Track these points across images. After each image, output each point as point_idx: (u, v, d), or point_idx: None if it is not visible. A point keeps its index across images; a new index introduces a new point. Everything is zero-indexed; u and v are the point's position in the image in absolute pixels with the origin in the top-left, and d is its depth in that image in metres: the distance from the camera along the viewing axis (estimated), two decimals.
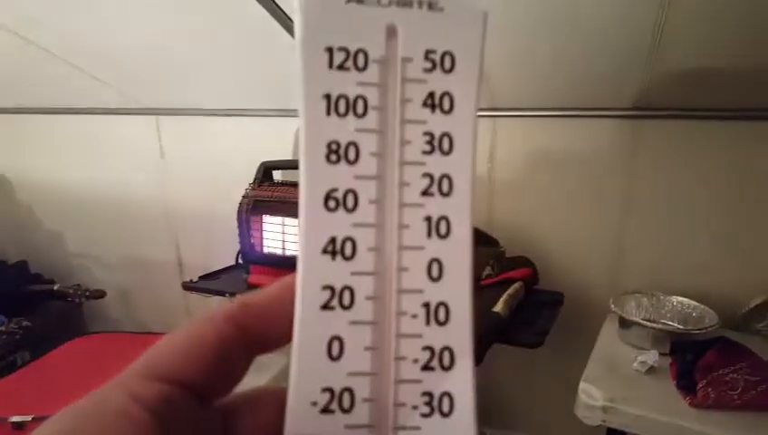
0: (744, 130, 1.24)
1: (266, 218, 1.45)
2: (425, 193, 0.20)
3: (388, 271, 0.19)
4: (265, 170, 1.52)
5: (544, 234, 1.51)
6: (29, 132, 2.28)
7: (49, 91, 2.00)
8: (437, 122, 0.20)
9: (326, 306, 0.19)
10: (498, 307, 1.16)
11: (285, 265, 1.43)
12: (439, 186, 0.20)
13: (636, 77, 1.20)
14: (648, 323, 1.14)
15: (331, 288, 0.19)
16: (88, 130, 2.14)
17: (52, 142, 2.25)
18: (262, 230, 1.46)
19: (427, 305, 0.19)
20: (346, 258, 0.19)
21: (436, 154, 0.20)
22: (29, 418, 1.23)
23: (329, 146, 0.19)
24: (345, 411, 0.19)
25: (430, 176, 0.20)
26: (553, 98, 1.38)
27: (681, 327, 1.20)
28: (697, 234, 1.34)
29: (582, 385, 1.02)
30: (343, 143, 0.19)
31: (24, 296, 2.05)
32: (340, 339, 0.19)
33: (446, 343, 0.19)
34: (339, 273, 0.19)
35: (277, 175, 1.56)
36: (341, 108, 0.19)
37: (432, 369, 0.19)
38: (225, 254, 1.74)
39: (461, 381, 0.19)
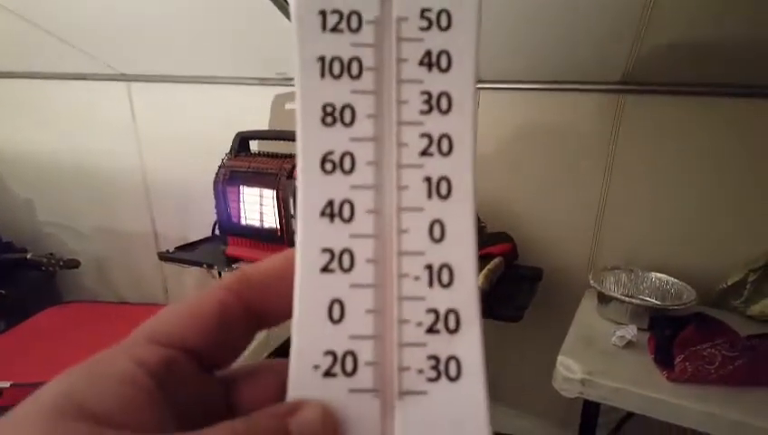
0: (730, 106, 1.23)
1: (243, 190, 1.41)
2: (424, 153, 0.19)
3: (387, 233, 0.19)
4: (242, 140, 1.48)
5: (524, 209, 1.50)
6: None
7: (17, 57, 1.93)
8: (435, 81, 0.19)
9: (326, 269, 0.19)
10: (479, 281, 1.15)
11: (263, 236, 1.41)
12: (438, 145, 0.19)
13: (624, 51, 1.18)
14: (627, 299, 1.14)
15: (331, 251, 0.19)
16: (58, 97, 2.07)
17: (20, 108, 2.18)
18: (239, 202, 1.43)
19: (429, 267, 0.19)
20: (345, 221, 0.19)
21: (435, 113, 0.19)
22: (7, 384, 1.21)
23: (324, 109, 0.19)
24: (348, 375, 0.18)
25: (429, 136, 0.19)
26: (539, 71, 1.35)
27: (659, 303, 1.21)
28: (677, 211, 1.34)
29: (560, 358, 1.02)
30: (339, 105, 0.19)
31: None
32: (340, 302, 0.19)
33: (452, 306, 0.19)
34: (338, 235, 0.19)
35: (254, 145, 1.52)
36: (336, 70, 0.19)
37: (437, 332, 0.19)
38: (200, 224, 1.71)
39: (469, 345, 0.19)
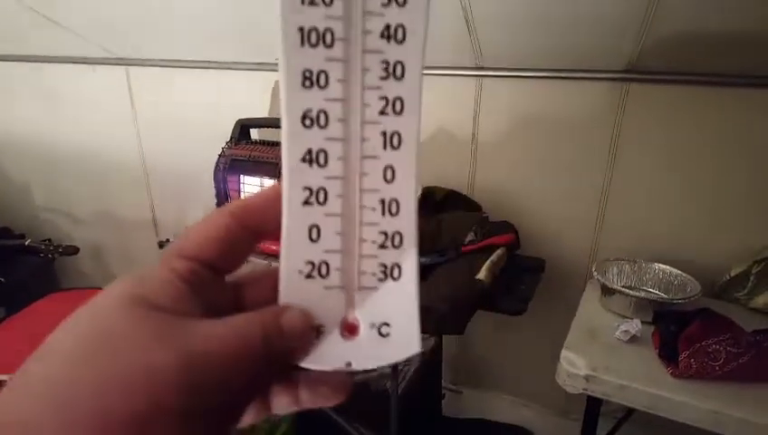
0: (736, 97, 1.21)
1: (244, 178, 1.40)
2: (381, 112, 0.24)
3: (352, 175, 0.24)
4: (242, 128, 1.46)
5: (527, 198, 1.49)
6: None
7: (15, 40, 1.89)
8: (392, 52, 0.23)
9: (306, 202, 0.24)
10: (481, 274, 1.15)
11: None
12: (393, 106, 0.24)
13: (630, 39, 1.16)
14: (631, 292, 1.14)
15: (310, 189, 0.24)
16: (56, 81, 2.04)
17: (18, 92, 2.15)
18: (239, 190, 1.41)
19: (382, 201, 0.25)
20: (320, 165, 0.24)
21: (391, 79, 0.23)
22: (6, 377, 1.20)
23: (303, 73, 0.23)
24: (323, 277, 0.25)
25: (386, 98, 0.24)
26: (543, 58, 1.33)
27: (664, 295, 1.20)
28: (681, 201, 1.32)
29: (564, 353, 1.01)
30: (315, 71, 0.23)
31: None
32: (317, 226, 0.24)
33: (397, 229, 0.25)
34: (315, 177, 0.24)
35: (254, 133, 1.50)
36: (313, 39, 0.23)
37: (386, 247, 0.25)
38: (199, 211, 1.70)
39: (408, 256, 0.25)
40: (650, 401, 0.91)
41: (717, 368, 0.91)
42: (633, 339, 1.04)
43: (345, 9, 0.23)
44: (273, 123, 1.49)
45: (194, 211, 1.89)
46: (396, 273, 0.25)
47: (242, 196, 1.41)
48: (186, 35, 1.61)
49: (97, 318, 0.21)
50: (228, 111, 1.51)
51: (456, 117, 1.48)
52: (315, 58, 0.23)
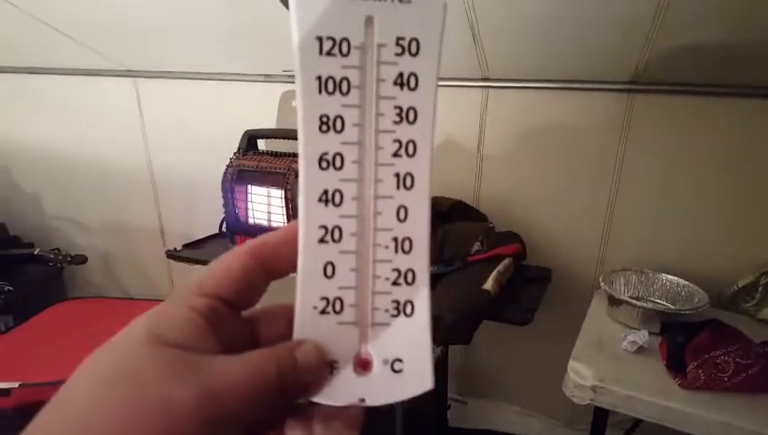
0: (742, 107, 1.21)
1: (251, 189, 1.41)
2: (395, 155, 0.25)
3: (366, 214, 0.25)
4: (249, 139, 1.47)
5: (533, 209, 1.49)
6: (6, 93, 2.19)
7: (27, 52, 1.92)
8: (405, 98, 0.24)
9: (322, 240, 0.25)
10: (488, 285, 1.15)
11: None
12: (406, 149, 0.25)
13: (635, 50, 1.16)
14: (638, 303, 1.13)
15: (325, 227, 0.25)
16: (66, 92, 2.06)
17: (30, 103, 2.17)
18: (247, 201, 1.42)
19: (395, 239, 0.26)
20: (336, 205, 0.25)
21: (404, 124, 0.25)
22: (15, 385, 1.21)
23: (320, 118, 0.24)
24: (337, 313, 0.26)
25: (399, 141, 0.25)
26: (549, 70, 1.33)
27: (671, 306, 1.20)
28: (688, 212, 1.32)
29: (571, 364, 1.01)
30: (332, 116, 0.24)
31: (2, 260, 2.00)
32: (332, 263, 0.25)
33: (410, 266, 0.26)
34: (330, 216, 0.25)
35: (261, 144, 1.51)
36: (330, 87, 0.24)
37: (399, 284, 0.26)
38: (207, 220, 1.70)
39: (420, 293, 0.26)
40: (658, 412, 0.91)
41: (726, 379, 0.91)
42: (640, 350, 1.04)
43: (361, 59, 0.24)
44: (281, 134, 1.51)
45: (201, 220, 1.89)
46: (408, 309, 0.26)
47: (249, 206, 1.42)
48: (194, 47, 1.63)
49: (118, 355, 0.22)
50: (236, 122, 1.53)
51: (462, 128, 1.49)
52: (332, 104, 0.24)
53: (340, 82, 0.24)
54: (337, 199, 0.25)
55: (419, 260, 0.26)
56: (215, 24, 1.45)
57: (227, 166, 1.44)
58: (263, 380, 0.23)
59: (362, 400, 0.25)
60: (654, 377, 0.97)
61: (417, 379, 0.26)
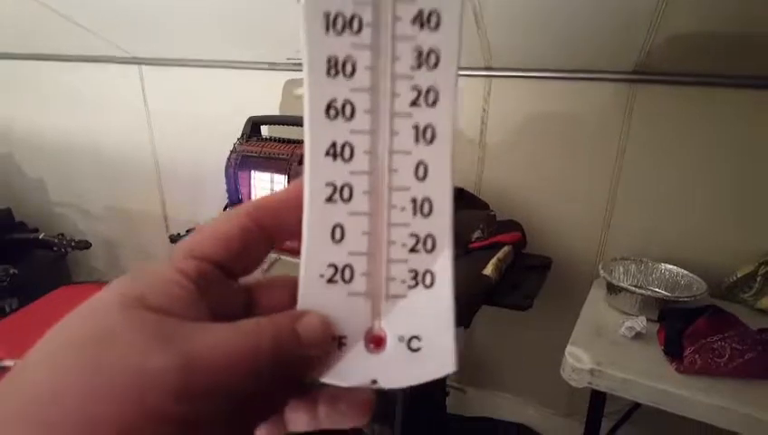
0: (743, 98, 1.21)
1: (255, 175, 1.42)
2: (413, 103, 0.22)
3: (380, 171, 0.23)
4: (253, 125, 1.48)
5: (534, 198, 1.50)
6: (11, 79, 2.21)
7: (33, 38, 1.93)
8: (425, 39, 0.22)
9: (329, 199, 0.22)
10: (488, 270, 1.16)
11: None
12: (426, 97, 0.22)
13: (638, 40, 1.17)
14: (637, 290, 1.14)
15: (334, 185, 0.22)
16: (71, 78, 2.08)
17: (34, 89, 2.19)
18: (250, 187, 1.43)
19: (414, 200, 0.23)
20: (345, 160, 0.22)
21: (424, 68, 0.22)
22: (12, 363, 1.23)
23: (328, 61, 0.21)
24: (347, 282, 0.23)
25: (418, 88, 0.22)
26: (552, 59, 1.34)
27: (669, 294, 1.20)
28: (688, 202, 1.33)
29: (569, 348, 1.02)
30: (341, 58, 0.21)
31: (8, 244, 2.02)
32: (341, 226, 0.23)
33: (430, 232, 0.23)
34: (339, 172, 0.22)
35: (264, 131, 1.52)
36: (339, 25, 0.21)
37: (417, 251, 0.23)
38: (210, 207, 1.72)
39: (441, 262, 0.23)
40: (655, 395, 0.92)
41: (722, 364, 0.92)
42: (638, 336, 1.05)
43: None
44: (284, 120, 1.51)
45: (205, 207, 1.91)
46: (428, 280, 0.23)
47: (252, 191, 1.43)
48: (199, 35, 1.64)
49: (88, 321, 0.19)
50: (240, 108, 1.54)
51: (464, 116, 1.50)
52: (341, 45, 0.21)
53: (351, 18, 0.21)
54: (347, 153, 0.22)
55: (441, 224, 0.23)
56: (220, 11, 1.46)
57: (231, 152, 1.45)
58: (254, 352, 0.20)
59: (374, 381, 0.23)
60: (651, 362, 0.98)
61: (438, 360, 0.23)
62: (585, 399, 1.12)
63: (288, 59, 1.64)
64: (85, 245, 1.97)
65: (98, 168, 2.19)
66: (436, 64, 0.22)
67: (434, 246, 0.23)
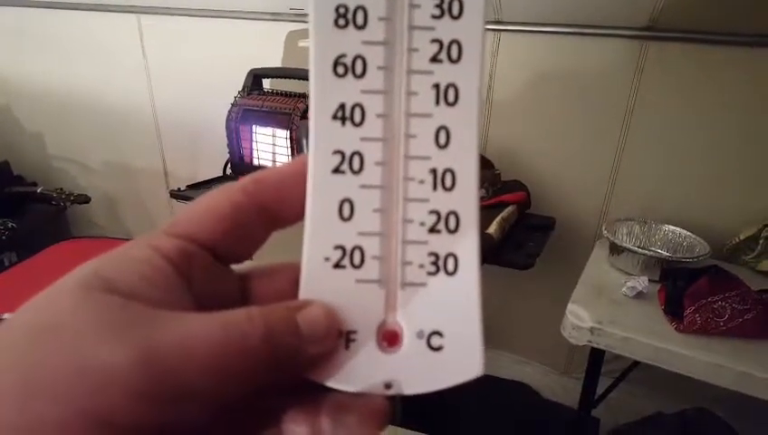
0: (756, 57, 1.19)
1: (256, 129, 1.40)
2: (434, 59, 0.19)
3: (396, 137, 0.20)
4: (255, 78, 1.45)
5: (540, 157, 1.48)
6: (7, 28, 2.15)
7: None
8: None
9: (337, 170, 0.19)
10: (491, 229, 1.15)
11: None
12: (448, 52, 0.19)
13: None
14: (639, 250, 1.14)
15: (342, 153, 0.19)
16: (69, 28, 2.02)
17: (31, 39, 2.13)
18: (252, 141, 1.41)
19: (434, 172, 0.20)
20: (355, 124, 0.19)
21: (446, 18, 0.19)
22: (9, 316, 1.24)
23: (337, 9, 0.19)
24: (356, 267, 0.20)
25: (439, 41, 0.19)
26: (563, 14, 1.31)
27: (672, 255, 1.20)
28: (695, 164, 1.32)
29: (570, 306, 1.03)
30: (351, 6, 0.19)
31: (6, 198, 2.01)
32: (350, 201, 0.20)
33: (453, 208, 0.20)
34: (349, 138, 0.19)
35: (266, 84, 1.49)
36: None
37: (438, 231, 0.20)
38: (211, 162, 1.70)
39: (466, 244, 0.20)
40: (653, 353, 0.93)
41: (722, 323, 0.92)
42: (640, 295, 1.05)
43: None
44: (286, 73, 1.49)
45: (206, 163, 1.89)
46: (450, 265, 0.20)
47: (254, 146, 1.42)
48: None
49: (45, 307, 0.17)
50: (241, 61, 1.50)
51: None
52: None
53: None
54: (357, 117, 0.19)
55: (465, 200, 0.20)
56: None
57: (232, 105, 1.43)
58: (241, 346, 0.17)
59: (388, 386, 0.19)
60: (651, 321, 0.99)
61: (463, 360, 0.20)
62: (583, 358, 1.13)
63: (291, 9, 1.59)
64: (84, 199, 1.95)
65: (96, 121, 2.15)
66: (460, 13, 0.19)
67: (457, 226, 0.20)
